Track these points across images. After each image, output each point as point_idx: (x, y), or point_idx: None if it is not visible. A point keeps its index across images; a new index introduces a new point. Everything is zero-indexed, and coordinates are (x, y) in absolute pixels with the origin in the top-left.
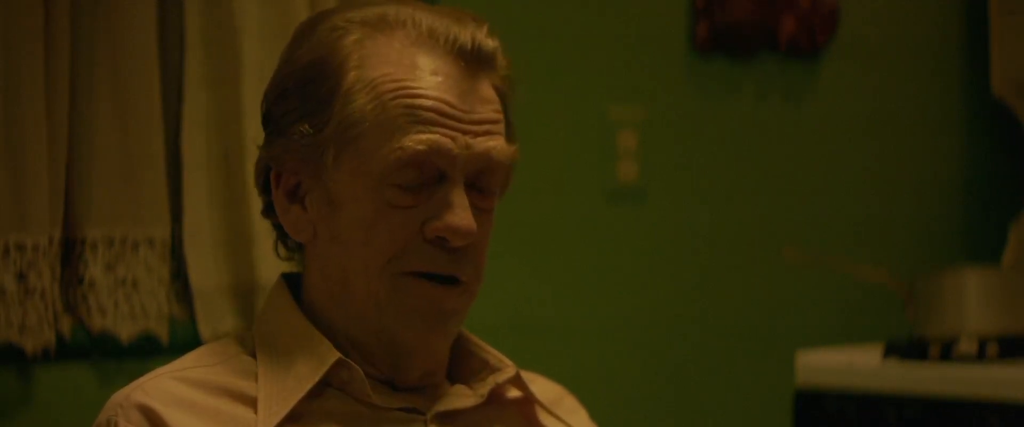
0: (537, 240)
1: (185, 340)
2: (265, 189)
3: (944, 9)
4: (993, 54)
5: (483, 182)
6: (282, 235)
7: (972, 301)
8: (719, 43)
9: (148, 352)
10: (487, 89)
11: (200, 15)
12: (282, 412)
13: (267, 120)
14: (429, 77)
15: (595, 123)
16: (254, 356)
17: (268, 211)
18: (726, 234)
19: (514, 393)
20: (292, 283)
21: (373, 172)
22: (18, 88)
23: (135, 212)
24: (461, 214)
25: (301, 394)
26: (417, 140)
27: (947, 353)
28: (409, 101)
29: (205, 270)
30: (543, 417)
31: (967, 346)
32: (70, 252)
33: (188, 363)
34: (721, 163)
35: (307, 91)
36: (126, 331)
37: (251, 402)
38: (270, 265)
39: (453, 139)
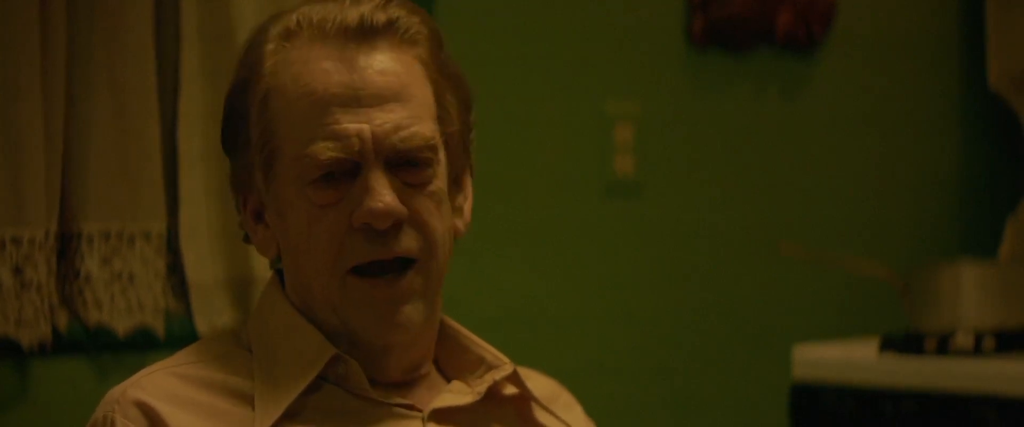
0: (533, 234)
1: (181, 334)
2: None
3: (941, 3)
4: (989, 48)
5: (409, 157)
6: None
7: (968, 295)
8: (715, 37)
9: (144, 346)
10: (387, 60)
11: (197, 9)
12: (279, 409)
13: (222, 140)
14: (322, 65)
15: (591, 117)
16: (250, 351)
17: (247, 237)
18: (723, 228)
19: (510, 390)
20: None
21: (295, 178)
22: (15, 82)
23: (131, 206)
24: (378, 197)
25: (298, 390)
26: (323, 147)
27: (943, 347)
28: (307, 99)
29: (201, 264)
30: (539, 414)
31: (963, 340)
32: (66, 246)
33: (184, 359)
34: (718, 157)
35: (237, 109)
36: (122, 325)
37: (248, 399)
38: (266, 259)
39: (357, 132)
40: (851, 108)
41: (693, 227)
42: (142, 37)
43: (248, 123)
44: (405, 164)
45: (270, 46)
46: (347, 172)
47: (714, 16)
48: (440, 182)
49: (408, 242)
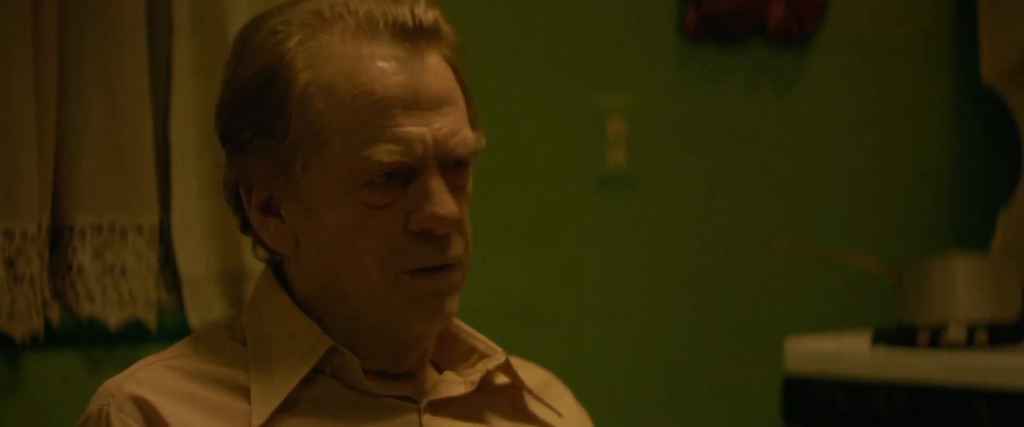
0: (526, 227)
1: (174, 327)
2: (238, 207)
3: None
4: (982, 41)
5: (460, 161)
6: (262, 245)
7: (961, 288)
8: (708, 30)
9: (137, 339)
10: (437, 62)
11: (189, 2)
12: (276, 401)
13: (225, 138)
14: (379, 65)
15: (584, 110)
16: (244, 344)
17: (245, 227)
18: (716, 221)
19: (502, 380)
20: (279, 271)
21: (345, 177)
22: (7, 75)
23: (124, 199)
24: (442, 202)
25: (295, 382)
26: (386, 150)
27: (936, 340)
28: (366, 99)
29: (194, 257)
30: (531, 403)
31: (956, 333)
32: (59, 239)
33: (179, 352)
34: (710, 150)
35: (260, 102)
36: (115, 318)
37: (243, 392)
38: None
39: (420, 136)
40: (844, 102)
41: (685, 220)
42: (135, 30)
43: (282, 116)
44: (453, 168)
45: (297, 37)
46: (402, 176)
47: (707, 10)
48: (471, 186)
49: (458, 247)
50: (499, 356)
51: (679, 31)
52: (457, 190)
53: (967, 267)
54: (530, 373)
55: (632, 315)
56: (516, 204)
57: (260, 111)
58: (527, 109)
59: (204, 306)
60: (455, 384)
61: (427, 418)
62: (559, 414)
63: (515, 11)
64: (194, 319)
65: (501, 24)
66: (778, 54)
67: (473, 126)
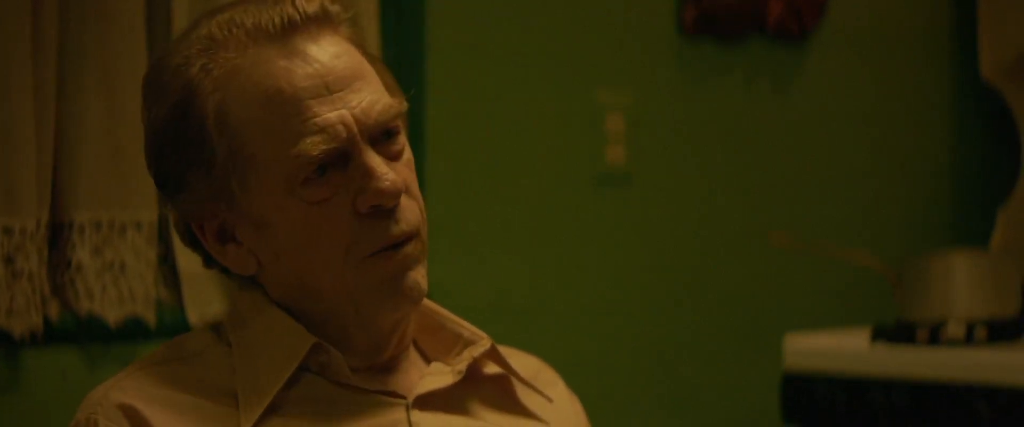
0: (525, 223)
1: (173, 324)
2: (194, 244)
3: None
4: (981, 38)
5: (387, 129)
6: (228, 273)
7: (960, 285)
8: (707, 27)
9: (136, 336)
10: (335, 43)
11: (189, 2)
12: (263, 403)
13: (161, 183)
14: (280, 64)
15: (583, 107)
16: (229, 346)
17: (209, 262)
18: (714, 218)
19: (492, 369)
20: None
21: (282, 182)
22: (7, 74)
23: (123, 196)
24: (383, 176)
25: (280, 384)
26: (311, 143)
27: (935, 337)
28: (277, 99)
29: (192, 254)
30: (521, 392)
31: (955, 330)
32: (58, 236)
33: (164, 357)
34: (709, 147)
35: (181, 137)
36: (113, 315)
37: (230, 395)
38: None
39: (339, 119)
40: (843, 99)
41: (684, 217)
42: (134, 28)
43: (205, 142)
44: (383, 138)
45: (197, 64)
46: (336, 163)
47: (706, 6)
48: (409, 150)
49: (410, 215)
50: (484, 342)
51: (678, 27)
52: (394, 158)
53: (966, 264)
54: (520, 362)
55: (631, 312)
56: (515, 201)
57: (184, 146)
58: (526, 106)
59: (203, 302)
60: (442, 375)
61: (415, 414)
62: (549, 399)
63: (514, 8)
64: (193, 316)
65: (500, 21)
66: (777, 51)
67: (391, 93)
